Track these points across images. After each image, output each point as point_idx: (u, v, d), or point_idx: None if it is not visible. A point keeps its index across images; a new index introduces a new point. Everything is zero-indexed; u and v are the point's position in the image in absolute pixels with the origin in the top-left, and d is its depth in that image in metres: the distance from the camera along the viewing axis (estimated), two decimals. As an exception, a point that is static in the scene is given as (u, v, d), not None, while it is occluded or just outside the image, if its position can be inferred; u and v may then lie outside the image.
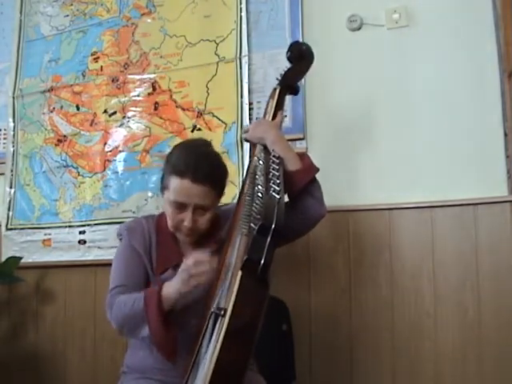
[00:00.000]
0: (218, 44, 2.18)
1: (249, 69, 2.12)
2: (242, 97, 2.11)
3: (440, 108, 1.89)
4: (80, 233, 2.30)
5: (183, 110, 2.21)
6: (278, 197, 1.16)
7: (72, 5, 2.50)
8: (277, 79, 1.60)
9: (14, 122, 2.51)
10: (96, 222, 2.28)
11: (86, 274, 2.24)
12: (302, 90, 2.03)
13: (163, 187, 1.43)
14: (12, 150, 2.49)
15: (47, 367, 2.30)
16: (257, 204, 1.18)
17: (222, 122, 2.14)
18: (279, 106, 1.55)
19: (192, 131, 2.18)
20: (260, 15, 2.16)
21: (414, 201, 1.87)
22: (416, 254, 1.86)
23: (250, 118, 2.09)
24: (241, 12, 2.16)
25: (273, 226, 1.08)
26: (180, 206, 1.37)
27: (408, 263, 1.86)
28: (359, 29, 2.02)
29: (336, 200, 1.95)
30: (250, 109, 2.10)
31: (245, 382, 1.08)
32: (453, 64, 1.89)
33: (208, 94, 2.17)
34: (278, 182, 1.20)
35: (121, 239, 1.51)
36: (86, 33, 2.45)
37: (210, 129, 2.15)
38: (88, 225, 2.29)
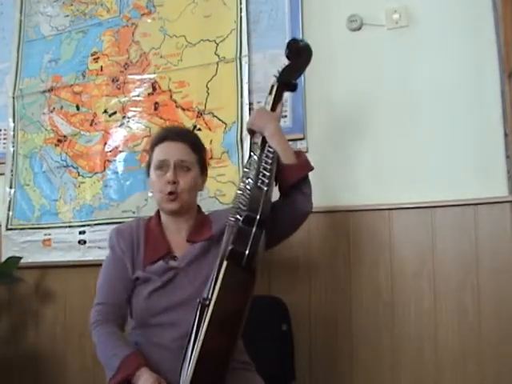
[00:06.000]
0: (218, 44, 2.18)
1: (249, 69, 2.12)
2: (242, 97, 2.11)
3: (440, 108, 1.89)
4: (80, 233, 2.30)
5: (183, 110, 2.21)
6: (265, 188, 1.15)
7: (72, 5, 2.50)
8: (274, 76, 1.59)
9: (13, 122, 2.51)
10: (96, 222, 2.28)
11: (86, 274, 2.23)
12: (302, 90, 2.03)
13: (148, 165, 1.55)
14: (12, 150, 2.49)
15: (47, 367, 2.30)
16: (244, 196, 1.17)
17: (222, 121, 2.13)
18: (278, 101, 1.55)
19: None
20: (260, 15, 2.16)
21: (413, 201, 1.87)
22: (416, 253, 1.85)
23: (249, 119, 2.09)
24: (241, 12, 2.16)
25: (258, 216, 1.07)
26: (163, 165, 1.48)
27: (408, 263, 1.86)
28: (359, 29, 2.02)
29: (336, 200, 1.96)
30: (250, 109, 2.09)
31: (243, 382, 1.08)
32: (453, 64, 1.89)
33: (208, 93, 2.17)
34: (268, 174, 1.20)
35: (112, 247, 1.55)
36: (86, 33, 2.45)
37: (209, 129, 2.14)
38: (88, 225, 2.29)
